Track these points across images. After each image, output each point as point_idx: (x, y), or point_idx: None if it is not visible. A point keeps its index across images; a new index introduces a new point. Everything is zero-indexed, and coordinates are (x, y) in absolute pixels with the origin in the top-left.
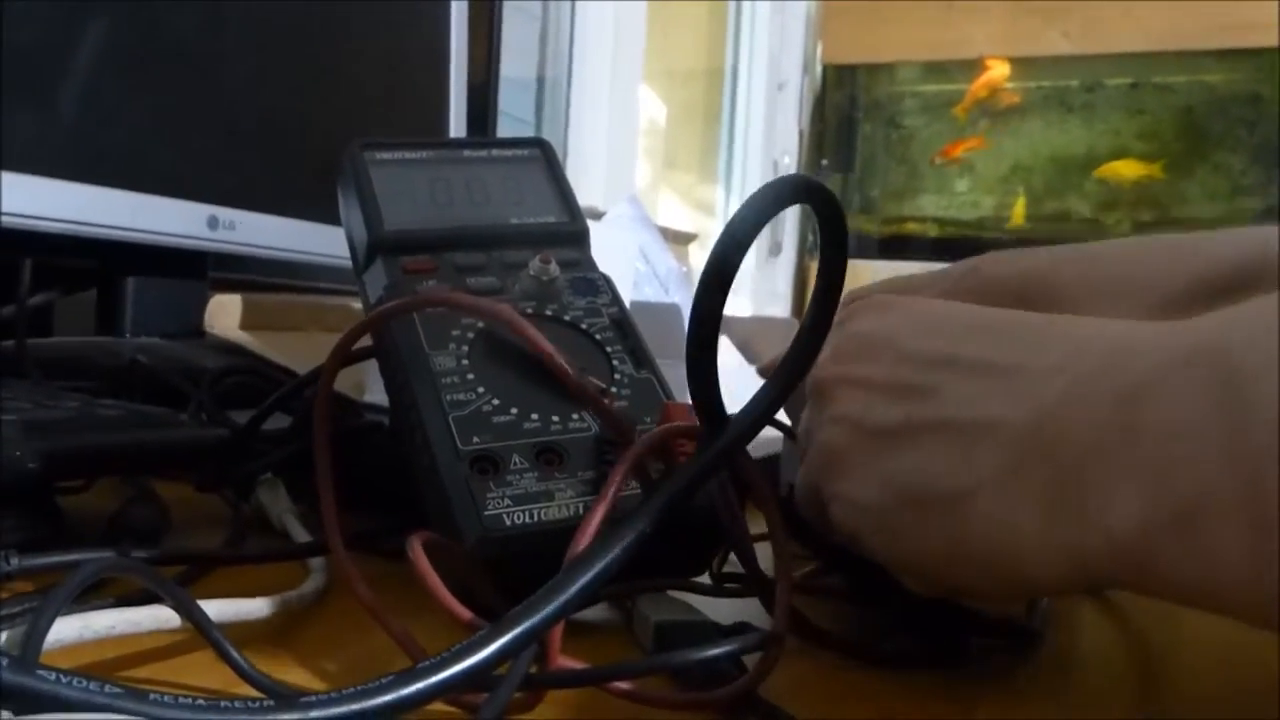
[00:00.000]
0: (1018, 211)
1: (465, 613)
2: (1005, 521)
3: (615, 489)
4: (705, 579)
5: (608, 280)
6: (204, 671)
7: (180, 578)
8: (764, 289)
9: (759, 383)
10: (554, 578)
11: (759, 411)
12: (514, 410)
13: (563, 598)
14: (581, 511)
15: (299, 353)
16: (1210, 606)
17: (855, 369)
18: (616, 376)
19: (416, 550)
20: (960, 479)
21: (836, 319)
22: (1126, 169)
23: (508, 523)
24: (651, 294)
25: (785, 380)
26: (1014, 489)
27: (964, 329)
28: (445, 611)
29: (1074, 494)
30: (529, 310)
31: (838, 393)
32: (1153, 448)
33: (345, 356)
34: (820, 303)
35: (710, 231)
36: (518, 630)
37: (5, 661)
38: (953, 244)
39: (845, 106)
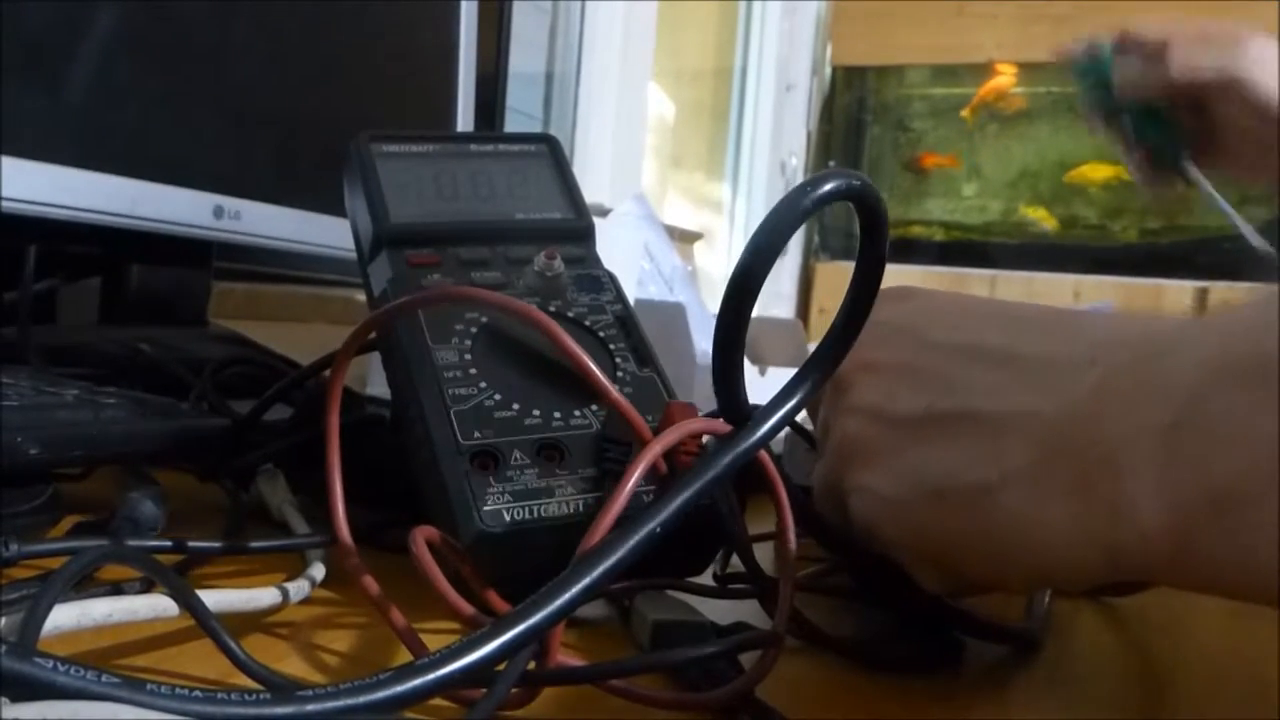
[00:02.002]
0: (1042, 214)
1: (467, 608)
2: (1032, 514)
3: (633, 485)
4: (705, 579)
5: (612, 278)
6: (201, 662)
7: (179, 567)
8: (769, 289)
9: (763, 382)
10: (559, 574)
11: (783, 409)
12: (516, 406)
13: (568, 595)
14: (581, 509)
15: (301, 344)
16: (1248, 595)
17: (876, 356)
18: (619, 374)
19: (419, 544)
20: (986, 471)
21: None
22: (1093, 171)
23: (507, 519)
24: (656, 292)
25: (813, 377)
26: (1042, 481)
27: (988, 319)
28: (447, 606)
29: (1105, 486)
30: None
31: (856, 380)
32: (1190, 439)
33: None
34: (855, 301)
35: (716, 231)
36: (520, 628)
37: (3, 648)
38: (959, 248)
39: (854, 108)
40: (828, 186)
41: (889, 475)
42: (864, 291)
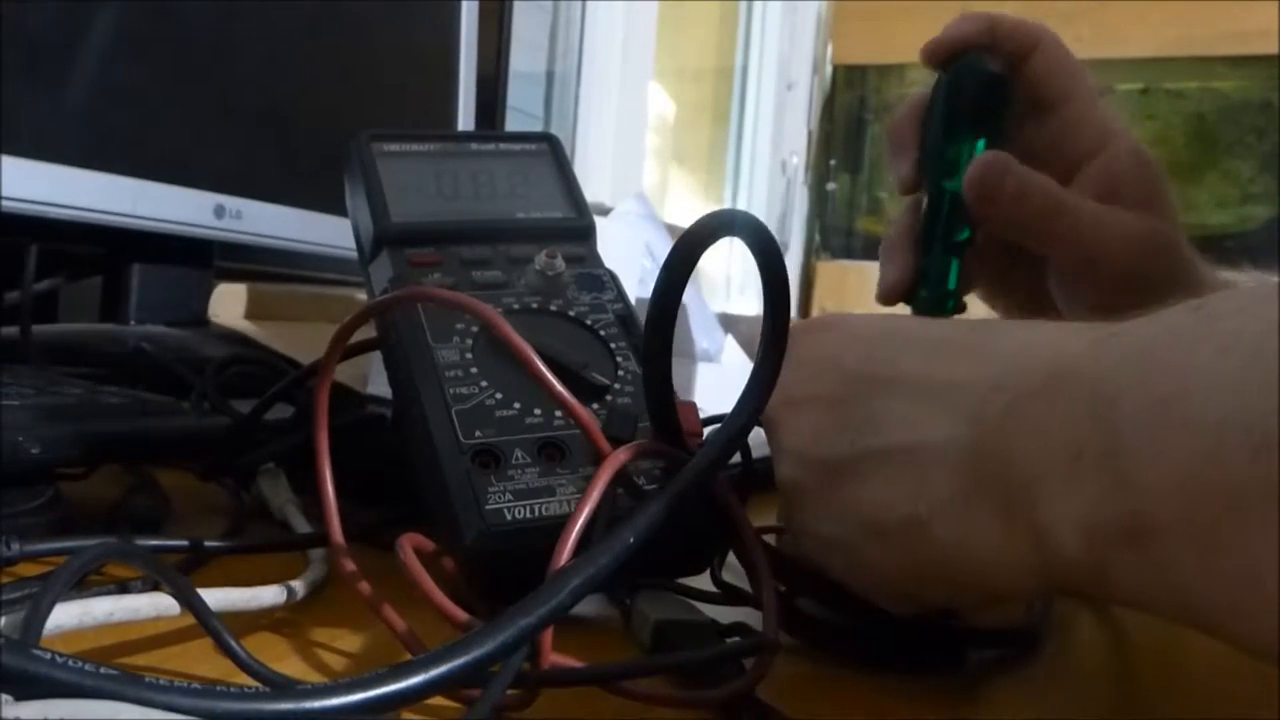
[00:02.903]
0: None
1: (460, 614)
2: (964, 541)
3: (593, 505)
4: (706, 580)
5: (613, 276)
6: (202, 660)
7: (180, 566)
8: None
9: None
10: (544, 582)
11: (726, 439)
12: (517, 405)
13: (556, 599)
14: None
15: (303, 343)
16: (1164, 616)
17: (797, 394)
18: (620, 373)
19: (407, 552)
20: (915, 504)
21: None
22: None
23: (508, 517)
24: None
25: (745, 415)
26: (968, 509)
27: (902, 344)
28: (440, 612)
29: (1025, 513)
30: (534, 305)
31: (783, 420)
32: (1094, 470)
33: (347, 348)
34: (770, 336)
35: None
36: (513, 628)
37: (2, 642)
38: None
39: (855, 107)
40: (717, 225)
41: (828, 517)
42: (776, 321)
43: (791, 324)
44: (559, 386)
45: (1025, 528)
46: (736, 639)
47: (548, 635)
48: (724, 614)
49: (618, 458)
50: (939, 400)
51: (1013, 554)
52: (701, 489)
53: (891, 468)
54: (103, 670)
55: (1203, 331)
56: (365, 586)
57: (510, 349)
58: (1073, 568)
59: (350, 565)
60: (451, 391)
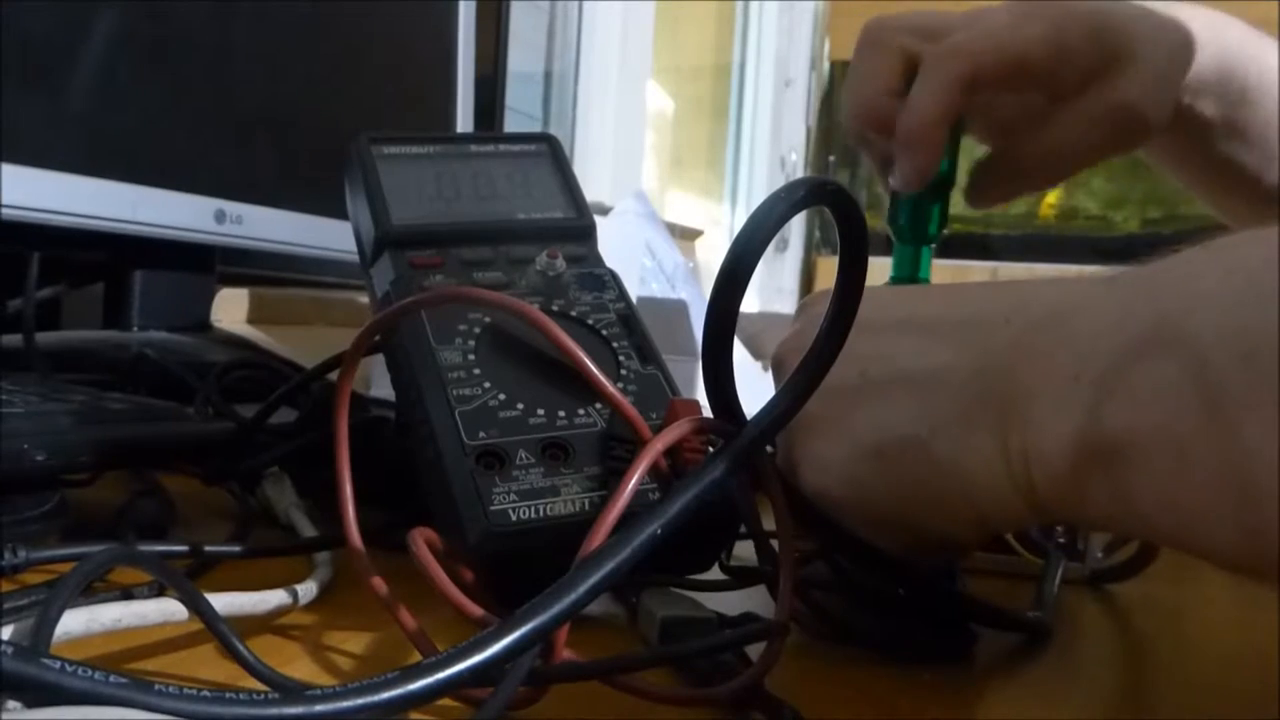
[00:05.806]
0: (1049, 201)
1: (475, 608)
2: (960, 461)
3: (634, 485)
4: (713, 571)
5: (614, 276)
6: (210, 665)
7: (187, 571)
8: (770, 285)
9: (765, 378)
10: (565, 574)
11: (777, 413)
12: (520, 405)
13: (574, 595)
14: (587, 507)
15: (305, 347)
16: (1137, 535)
17: (810, 339)
18: (623, 372)
19: (420, 545)
20: (917, 425)
21: (800, 304)
22: None
23: (513, 518)
24: (658, 290)
25: (805, 381)
26: (967, 430)
27: (917, 296)
28: (453, 606)
29: (1019, 433)
30: (535, 306)
31: (793, 362)
32: (1087, 393)
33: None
34: (841, 302)
35: (718, 228)
36: (527, 627)
37: (10, 650)
38: (960, 241)
39: None
40: (803, 192)
41: (832, 441)
42: (849, 291)
43: (809, 296)
44: (600, 376)
45: (1018, 447)
46: (747, 625)
47: (562, 632)
48: (731, 606)
49: (658, 442)
50: (950, 334)
51: (1005, 474)
52: (750, 461)
53: (897, 393)
54: (111, 677)
55: (1210, 259)
56: (380, 583)
57: (556, 345)
58: (1058, 488)
59: (365, 563)
60: (455, 393)
